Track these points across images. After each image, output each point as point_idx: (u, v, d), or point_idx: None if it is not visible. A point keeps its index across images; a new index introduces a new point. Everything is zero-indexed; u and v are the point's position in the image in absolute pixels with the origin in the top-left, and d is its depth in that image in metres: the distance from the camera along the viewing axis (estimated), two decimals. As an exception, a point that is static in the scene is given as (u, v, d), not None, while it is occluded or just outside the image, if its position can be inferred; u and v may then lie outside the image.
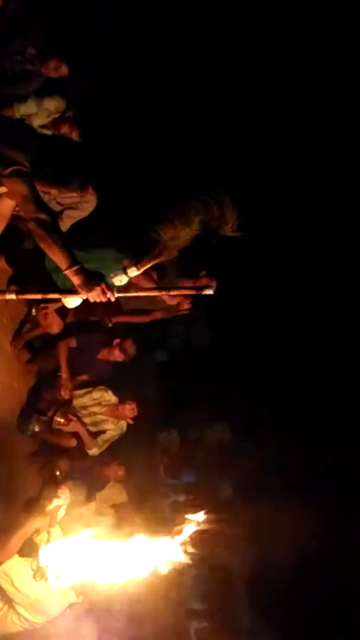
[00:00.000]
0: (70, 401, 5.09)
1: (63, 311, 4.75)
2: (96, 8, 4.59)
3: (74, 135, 4.49)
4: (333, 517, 5.13)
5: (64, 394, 4.88)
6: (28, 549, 3.47)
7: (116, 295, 2.63)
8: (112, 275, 2.75)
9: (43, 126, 4.40)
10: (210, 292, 2.66)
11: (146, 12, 4.73)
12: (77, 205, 4.52)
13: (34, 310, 4.66)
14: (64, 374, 4.90)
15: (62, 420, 4.97)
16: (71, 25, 4.32)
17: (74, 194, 4.40)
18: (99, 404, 5.16)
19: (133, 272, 2.75)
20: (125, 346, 5.00)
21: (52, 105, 4.29)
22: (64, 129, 4.44)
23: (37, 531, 3.50)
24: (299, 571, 5.28)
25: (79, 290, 2.63)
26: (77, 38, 4.33)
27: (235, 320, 6.08)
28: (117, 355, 5.00)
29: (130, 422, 5.17)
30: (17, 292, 2.83)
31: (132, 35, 4.76)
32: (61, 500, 3.49)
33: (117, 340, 5.01)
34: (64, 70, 4.11)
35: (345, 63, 5.00)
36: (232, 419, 6.10)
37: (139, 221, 3.10)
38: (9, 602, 3.43)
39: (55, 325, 4.79)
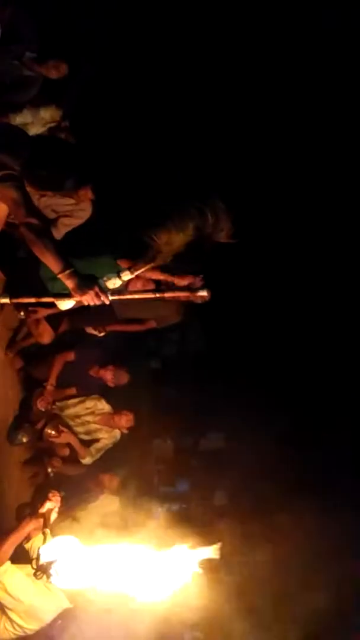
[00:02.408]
0: (56, 414, 5.09)
1: (55, 321, 4.77)
2: (92, 13, 4.63)
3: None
4: (330, 524, 5.12)
5: (41, 406, 4.87)
6: (19, 555, 3.48)
7: (110, 298, 2.66)
8: (105, 278, 2.78)
9: (39, 135, 4.44)
10: (204, 293, 2.69)
11: (142, 18, 4.77)
12: (72, 213, 4.54)
13: (22, 313, 4.64)
14: (50, 386, 4.90)
15: (52, 432, 4.97)
16: (67, 30, 4.35)
17: (72, 201, 4.43)
18: (92, 412, 5.15)
19: (127, 275, 2.78)
20: (118, 373, 5.03)
21: (48, 114, 4.32)
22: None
23: (28, 537, 3.51)
24: (296, 580, 5.26)
25: (73, 293, 2.65)
26: (73, 43, 4.36)
27: (229, 328, 6.10)
28: (108, 380, 5.03)
29: (125, 431, 5.18)
30: (11, 297, 2.86)
31: (129, 41, 4.80)
32: (53, 503, 3.49)
33: (111, 366, 5.03)
34: (64, 69, 4.12)
35: (340, 74, 5.06)
36: (227, 427, 6.10)
37: (134, 226, 3.12)
38: (2, 609, 3.42)
39: (46, 335, 4.78)
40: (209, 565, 3.01)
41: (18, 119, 4.28)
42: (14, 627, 3.42)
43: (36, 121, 4.32)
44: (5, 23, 3.98)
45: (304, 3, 4.79)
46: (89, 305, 2.68)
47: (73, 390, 5.11)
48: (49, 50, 4.12)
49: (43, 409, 4.89)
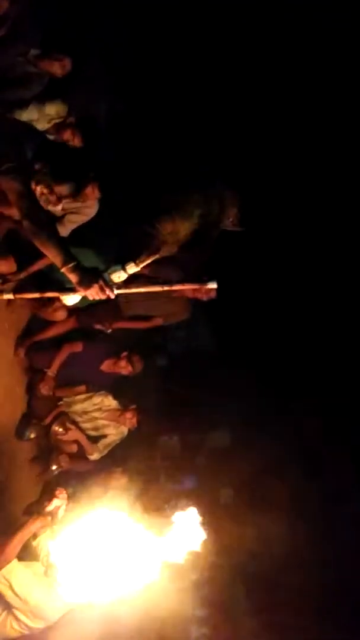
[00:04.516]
0: (63, 411, 4.99)
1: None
2: (99, 11, 4.51)
3: (76, 141, 4.40)
4: (334, 522, 5.00)
5: (44, 390, 4.76)
6: (26, 553, 3.37)
7: (115, 292, 2.53)
8: (110, 271, 2.65)
9: (45, 131, 4.31)
10: (214, 286, 2.55)
11: (148, 13, 4.64)
12: (78, 210, 4.42)
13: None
14: (51, 373, 4.78)
15: (60, 430, 4.89)
16: (73, 27, 4.23)
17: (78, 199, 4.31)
18: (100, 409, 5.06)
19: (132, 268, 2.64)
20: (133, 360, 4.89)
21: (53, 109, 4.19)
22: (66, 135, 4.35)
23: (35, 535, 3.39)
24: (301, 576, 5.15)
25: (77, 287, 2.54)
26: (79, 40, 4.24)
27: (237, 325, 5.97)
28: (122, 368, 4.89)
29: (132, 428, 5.07)
30: (15, 292, 2.76)
31: (135, 37, 4.67)
32: (60, 501, 3.37)
33: (125, 353, 4.90)
34: (68, 66, 3.99)
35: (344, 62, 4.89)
36: (233, 424, 5.99)
37: (138, 216, 2.99)
38: (8, 607, 3.32)
39: (59, 312, 4.68)
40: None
41: (24, 116, 4.16)
42: (20, 626, 3.33)
43: (41, 117, 4.19)
44: (12, 19, 3.87)
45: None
46: (95, 303, 2.56)
47: (82, 388, 4.99)
48: (53, 47, 3.99)
49: (45, 393, 4.77)
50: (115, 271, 2.65)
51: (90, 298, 2.54)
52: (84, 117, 4.25)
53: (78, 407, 5.04)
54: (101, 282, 2.49)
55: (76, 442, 4.97)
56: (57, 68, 3.98)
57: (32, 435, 4.85)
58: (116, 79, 4.50)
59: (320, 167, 5.32)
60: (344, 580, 5.11)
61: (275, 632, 5.10)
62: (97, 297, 2.52)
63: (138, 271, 2.74)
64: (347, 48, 4.73)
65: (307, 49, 4.82)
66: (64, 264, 2.50)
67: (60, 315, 4.67)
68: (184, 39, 4.80)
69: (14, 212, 2.88)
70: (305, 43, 4.79)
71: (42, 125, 4.18)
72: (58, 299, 4.34)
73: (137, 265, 2.64)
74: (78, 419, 5.03)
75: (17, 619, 3.29)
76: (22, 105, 4.05)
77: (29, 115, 4.13)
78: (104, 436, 5.04)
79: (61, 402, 5.05)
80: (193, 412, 5.99)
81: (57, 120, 4.24)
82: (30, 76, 3.94)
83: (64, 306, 4.55)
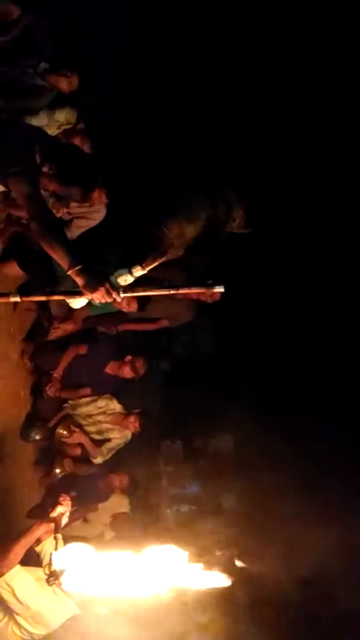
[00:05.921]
0: (67, 414, 4.92)
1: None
2: (107, 21, 4.46)
3: (85, 147, 4.35)
4: (338, 528, 4.87)
5: (50, 392, 4.70)
6: (29, 559, 3.26)
7: (122, 295, 2.44)
8: (116, 274, 2.55)
9: (54, 138, 4.25)
10: (221, 289, 2.46)
11: (156, 21, 4.57)
12: (86, 215, 4.37)
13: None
14: (57, 374, 4.72)
15: (65, 432, 4.82)
16: (82, 38, 4.18)
17: (86, 203, 4.25)
18: (104, 412, 4.97)
19: (138, 271, 2.55)
20: (137, 365, 4.81)
21: (63, 116, 4.14)
22: (76, 141, 4.30)
23: (38, 541, 3.29)
24: (302, 583, 5.03)
25: (83, 290, 2.46)
26: (88, 50, 4.18)
27: (241, 330, 5.87)
28: (126, 372, 4.82)
29: (136, 432, 4.98)
30: (22, 295, 2.67)
31: (141, 46, 4.59)
32: (64, 507, 3.27)
33: (129, 357, 4.82)
34: (75, 81, 3.95)
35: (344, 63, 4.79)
36: (237, 429, 5.87)
37: (144, 219, 2.91)
38: (10, 613, 3.21)
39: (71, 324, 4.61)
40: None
41: (34, 122, 4.10)
42: (21, 632, 3.21)
43: (51, 123, 4.14)
44: (23, 28, 3.81)
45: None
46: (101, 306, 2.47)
47: (87, 391, 4.92)
48: (62, 62, 3.94)
49: (52, 395, 4.72)
50: (121, 274, 2.55)
51: (97, 301, 2.47)
52: (92, 124, 4.20)
53: (83, 410, 4.95)
54: (107, 285, 2.42)
55: (80, 445, 4.88)
56: (64, 84, 3.93)
57: (37, 437, 4.79)
58: (123, 85, 4.43)
59: (327, 170, 5.21)
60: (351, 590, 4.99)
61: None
62: (103, 301, 2.45)
63: (144, 274, 2.66)
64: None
65: (313, 50, 4.72)
66: (71, 266, 2.43)
67: (62, 332, 4.63)
68: (190, 42, 4.71)
69: (22, 214, 2.82)
70: (311, 43, 4.68)
71: (51, 132, 4.12)
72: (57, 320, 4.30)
73: (143, 268, 2.54)
74: (82, 422, 4.95)
75: (18, 624, 3.18)
76: (32, 112, 3.99)
77: (38, 121, 4.07)
78: (108, 440, 4.95)
79: (66, 405, 4.97)
80: (196, 417, 5.89)
81: (66, 127, 4.19)
82: (38, 89, 3.88)
83: (64, 327, 4.51)
